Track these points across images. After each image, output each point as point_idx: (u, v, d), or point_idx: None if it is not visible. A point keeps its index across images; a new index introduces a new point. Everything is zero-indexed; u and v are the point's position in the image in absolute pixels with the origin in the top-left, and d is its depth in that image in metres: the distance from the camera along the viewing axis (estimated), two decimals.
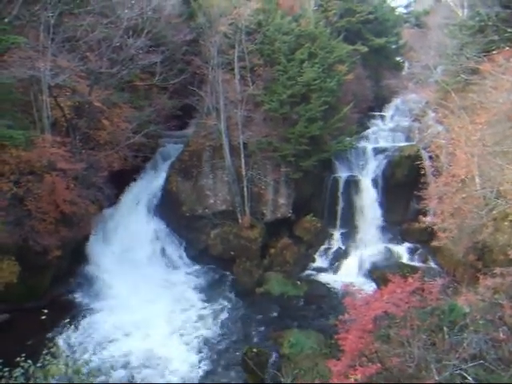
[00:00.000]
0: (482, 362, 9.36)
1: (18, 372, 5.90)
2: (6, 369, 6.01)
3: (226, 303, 22.23)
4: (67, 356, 6.36)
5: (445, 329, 10.21)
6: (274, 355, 17.32)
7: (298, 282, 24.14)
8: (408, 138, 28.90)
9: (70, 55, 19.50)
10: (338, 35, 29.75)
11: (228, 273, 24.84)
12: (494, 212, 17.23)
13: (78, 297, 21.55)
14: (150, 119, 23.84)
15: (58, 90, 20.40)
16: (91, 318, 20.02)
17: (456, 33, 24.59)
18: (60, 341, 17.28)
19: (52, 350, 6.51)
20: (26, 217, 17.90)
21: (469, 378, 8.86)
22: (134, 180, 26.01)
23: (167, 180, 26.21)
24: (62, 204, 18.68)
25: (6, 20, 18.11)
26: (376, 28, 35.84)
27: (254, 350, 17.47)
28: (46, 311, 8.56)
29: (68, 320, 19.03)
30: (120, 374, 16.89)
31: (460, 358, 9.30)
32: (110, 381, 10.52)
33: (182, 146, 26.92)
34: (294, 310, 21.92)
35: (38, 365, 6.11)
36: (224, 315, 21.18)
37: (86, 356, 16.18)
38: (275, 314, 21.53)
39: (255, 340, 19.41)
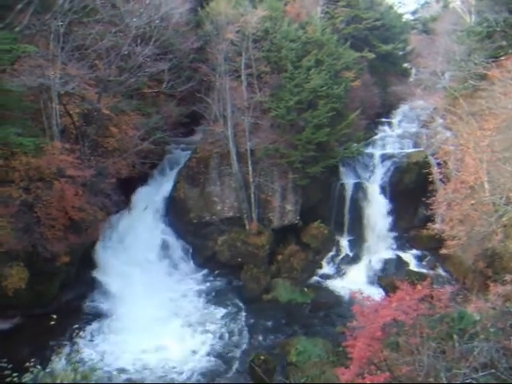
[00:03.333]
0: (493, 371, 9.21)
1: (27, 377, 5.92)
2: (16, 374, 6.05)
3: (233, 310, 22.17)
4: (75, 362, 6.38)
5: (455, 337, 10.07)
6: None
7: (306, 289, 24.03)
8: (416, 145, 28.80)
9: (79, 63, 19.75)
10: (345, 42, 29.81)
11: (235, 279, 24.76)
12: (504, 219, 17.10)
13: (86, 303, 21.61)
14: (157, 126, 23.96)
15: (67, 98, 20.62)
16: (99, 324, 20.09)
17: (464, 39, 24.55)
18: (68, 346, 17.30)
19: (60, 355, 6.53)
20: (35, 223, 18.00)
21: None
22: (142, 186, 26.14)
23: (175, 186, 26.29)
24: (71, 210, 18.79)
25: (17, 29, 18.40)
26: (383, 34, 35.85)
27: (262, 357, 17.41)
28: (54, 317, 8.61)
29: (76, 326, 19.06)
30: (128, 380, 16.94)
31: (470, 367, 9.16)
32: None
33: (190, 152, 27.03)
34: (302, 317, 21.82)
35: (47, 370, 6.13)
36: (231, 322, 21.12)
37: (93, 362, 16.20)
38: (282, 321, 21.43)
39: (262, 347, 19.31)
